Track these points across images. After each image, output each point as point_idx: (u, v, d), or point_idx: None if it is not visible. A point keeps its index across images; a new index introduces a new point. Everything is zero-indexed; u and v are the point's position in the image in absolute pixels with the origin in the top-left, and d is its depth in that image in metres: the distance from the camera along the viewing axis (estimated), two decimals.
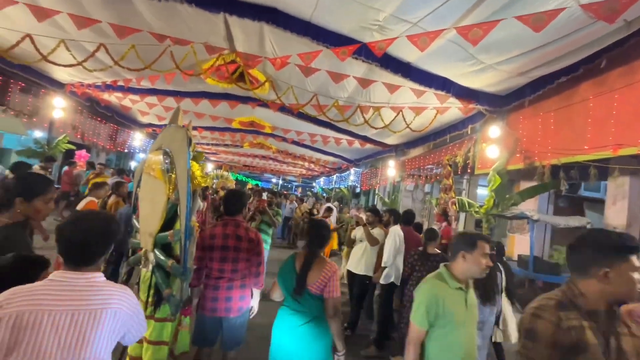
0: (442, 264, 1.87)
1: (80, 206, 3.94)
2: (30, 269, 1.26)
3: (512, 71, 3.88)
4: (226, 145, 15.55)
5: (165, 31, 4.23)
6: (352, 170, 15.16)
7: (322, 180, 25.19)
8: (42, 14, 3.97)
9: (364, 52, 3.95)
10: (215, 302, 2.37)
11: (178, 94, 7.60)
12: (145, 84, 6.97)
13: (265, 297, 2.51)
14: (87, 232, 1.18)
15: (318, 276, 1.97)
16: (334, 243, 8.62)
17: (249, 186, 18.75)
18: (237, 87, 6.88)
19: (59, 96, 8.17)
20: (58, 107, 8.21)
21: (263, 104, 7.81)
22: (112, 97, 8.81)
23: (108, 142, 11.83)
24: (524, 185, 5.38)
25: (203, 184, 2.52)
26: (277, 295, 2.15)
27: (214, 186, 9.88)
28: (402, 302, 3.67)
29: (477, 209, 5.10)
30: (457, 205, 5.24)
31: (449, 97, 4.76)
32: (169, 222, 2.32)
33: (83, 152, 9.31)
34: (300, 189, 33.99)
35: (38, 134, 8.99)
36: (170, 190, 2.26)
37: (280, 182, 34.47)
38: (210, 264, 2.41)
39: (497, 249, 3.35)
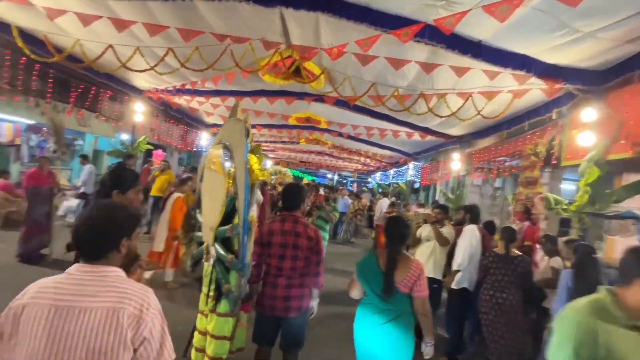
0: (603, 288, 1.28)
1: (169, 202, 4.30)
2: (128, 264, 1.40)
3: (619, 38, 3.18)
4: (283, 142, 15.98)
5: (225, 31, 4.36)
6: (411, 165, 14.44)
7: (378, 175, 24.59)
8: (121, 25, 4.36)
9: (428, 33, 3.59)
10: (273, 300, 2.30)
11: (238, 93, 7.93)
12: (209, 85, 7.38)
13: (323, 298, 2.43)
14: (93, 224, 1.10)
15: (405, 274, 1.95)
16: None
17: (305, 181, 19.09)
18: (294, 84, 6.96)
19: (139, 101, 9.11)
20: (139, 111, 9.16)
21: (319, 98, 7.77)
22: (182, 100, 9.56)
23: (180, 142, 12.96)
24: (629, 178, 4.46)
25: (261, 177, 2.49)
26: (357, 293, 2.13)
27: (272, 181, 10.18)
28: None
29: (565, 207, 4.38)
30: (547, 201, 4.55)
31: (529, 77, 4.13)
32: (228, 216, 2.34)
33: (159, 151, 10.29)
34: (355, 185, 33.70)
35: (124, 136, 10.18)
36: (230, 184, 2.27)
37: (336, 177, 34.56)
38: (269, 261, 2.35)
39: None
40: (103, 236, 1.09)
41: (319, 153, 19.03)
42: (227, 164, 2.30)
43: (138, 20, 4.36)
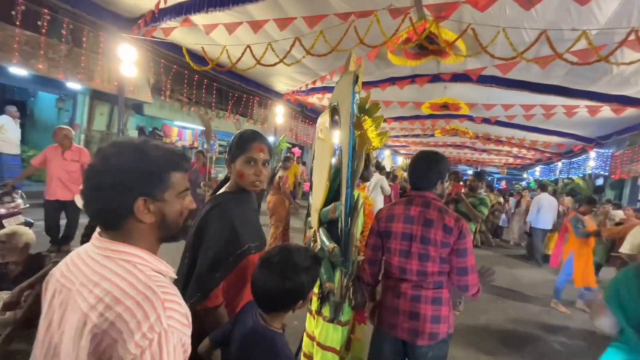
0: None
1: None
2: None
3: None
4: (416, 135, 14.86)
5: (349, 8, 4.07)
6: (592, 153, 10.85)
7: (537, 169, 19.95)
8: (256, 26, 4.68)
9: None
10: (394, 315, 1.63)
11: (365, 83, 7.62)
12: (336, 79, 7.35)
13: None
14: (100, 169, 0.72)
15: None
16: None
17: None
18: (426, 64, 6.11)
19: (280, 104, 10.09)
20: (279, 113, 10.17)
21: (457, 77, 6.62)
22: (315, 99, 10.02)
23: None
24: None
25: (376, 144, 1.98)
26: (606, 324, 1.26)
27: (403, 176, 9.51)
28: None
29: None
30: None
31: None
32: (335, 194, 1.95)
33: (296, 148, 11.17)
34: (504, 182, 28.52)
35: (270, 137, 11.59)
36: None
37: None
38: (389, 258, 1.69)
39: None
40: (103, 190, 0.71)
41: (458, 146, 16.82)
42: (335, 130, 1.92)
43: (270, 18, 4.56)
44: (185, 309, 0.72)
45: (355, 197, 1.78)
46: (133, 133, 7.59)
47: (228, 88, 8.55)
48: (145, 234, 0.76)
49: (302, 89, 9.22)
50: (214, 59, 5.42)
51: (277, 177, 5.07)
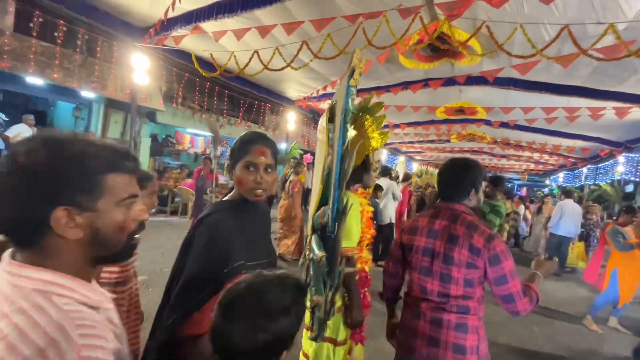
0: None
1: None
2: None
3: None
4: (431, 141, 14.52)
5: (357, 9, 3.96)
6: (621, 158, 10.25)
7: (560, 175, 19.12)
8: (264, 31, 4.64)
9: None
10: (413, 337, 1.46)
11: (377, 88, 7.47)
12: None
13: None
14: (6, 170, 0.57)
15: None
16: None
17: None
18: (440, 67, 5.92)
19: (291, 111, 10.05)
20: (291, 120, 10.14)
21: (472, 79, 6.39)
22: (326, 105, 9.94)
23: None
24: None
25: (375, 145, 1.83)
26: None
27: (417, 182, 9.23)
28: None
29: None
30: None
31: None
32: (325, 196, 1.82)
33: (308, 155, 11.08)
34: (525, 189, 27.51)
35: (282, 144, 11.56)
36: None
37: None
38: (410, 273, 1.58)
39: None
40: (9, 197, 0.56)
41: (475, 152, 16.34)
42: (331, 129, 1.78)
43: (278, 23, 4.51)
44: (119, 354, 0.55)
45: (345, 200, 1.62)
46: (146, 140, 7.70)
47: (239, 95, 8.59)
48: (70, 254, 0.59)
49: (314, 95, 9.16)
50: (222, 65, 5.41)
51: (287, 182, 5.04)
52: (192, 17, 5.19)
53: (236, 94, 8.46)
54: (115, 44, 5.79)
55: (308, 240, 1.95)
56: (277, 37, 4.77)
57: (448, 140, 13.79)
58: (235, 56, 5.13)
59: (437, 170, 10.92)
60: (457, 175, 1.54)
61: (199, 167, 5.41)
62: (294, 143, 10.33)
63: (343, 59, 5.76)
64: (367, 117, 1.81)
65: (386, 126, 10.22)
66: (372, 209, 2.07)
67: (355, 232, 1.84)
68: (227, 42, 5.17)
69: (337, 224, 1.47)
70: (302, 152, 11.21)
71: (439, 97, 7.79)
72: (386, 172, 5.07)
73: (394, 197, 4.83)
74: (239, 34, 4.85)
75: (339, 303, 1.72)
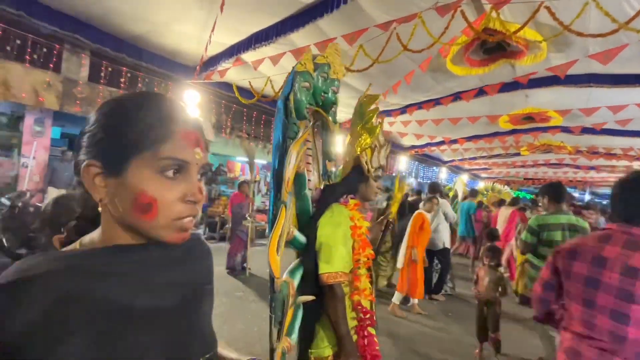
0: None
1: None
2: None
3: None
4: (497, 155, 13.07)
5: (389, 17, 3.68)
6: None
7: None
8: (299, 53, 4.60)
9: None
10: None
11: (425, 102, 6.94)
12: (393, 100, 6.85)
13: None
14: None
15: None
16: None
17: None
18: (496, 71, 5.25)
19: (338, 135, 9.90)
20: (338, 143, 9.97)
21: (540, 80, 5.53)
22: None
23: None
24: None
25: (366, 142, 1.49)
26: None
27: (483, 198, 8.18)
28: None
29: None
30: None
31: None
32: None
33: None
34: None
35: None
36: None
37: (587, 196, 24.79)
38: (567, 303, 1.37)
39: None
40: None
41: (554, 165, 14.25)
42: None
43: (311, 43, 4.44)
44: None
45: (279, 209, 1.33)
46: None
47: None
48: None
49: None
50: (259, 91, 5.52)
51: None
52: (234, 50, 5.45)
53: (271, 117, 8.63)
54: (170, 83, 6.33)
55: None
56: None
57: (518, 154, 12.25)
58: (271, 81, 5.18)
59: (505, 188, 9.60)
60: None
61: (235, 192, 5.42)
62: (340, 167, 10.11)
63: (385, 72, 5.48)
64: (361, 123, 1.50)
65: (400, 110, 9.45)
66: (367, 224, 1.66)
67: (339, 254, 1.47)
68: (265, 69, 5.28)
69: (271, 228, 1.22)
70: None
71: (500, 104, 6.94)
72: (435, 189, 4.45)
73: (446, 218, 4.17)
74: (275, 59, 4.90)
75: (327, 352, 1.32)
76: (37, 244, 3.40)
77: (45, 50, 4.96)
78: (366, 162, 1.62)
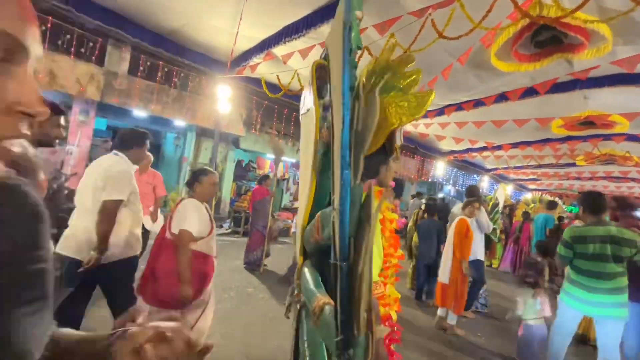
0: None
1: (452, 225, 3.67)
2: None
3: None
4: (548, 165, 11.86)
5: (422, 4, 3.37)
6: None
7: None
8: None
9: None
10: None
11: (466, 102, 6.42)
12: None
13: None
14: None
15: None
16: None
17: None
18: (550, 68, 4.67)
19: None
20: None
21: (603, 79, 4.85)
22: (409, 126, 9.12)
23: (414, 173, 12.60)
24: None
25: (409, 117, 1.15)
26: None
27: (530, 209, 7.40)
28: None
29: None
30: None
31: None
32: (327, 195, 1.19)
33: None
34: None
35: None
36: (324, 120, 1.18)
37: None
38: None
39: None
40: None
41: (616, 178, 12.68)
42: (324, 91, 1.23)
43: None
44: None
45: (365, 193, 0.94)
46: (231, 165, 8.29)
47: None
48: None
49: None
50: (286, 85, 5.43)
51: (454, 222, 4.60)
52: (265, 45, 5.41)
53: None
54: (203, 78, 6.47)
55: (297, 270, 1.35)
56: None
57: (573, 164, 11.02)
58: (298, 74, 5.05)
59: (559, 202, 8.30)
60: None
61: (257, 186, 5.34)
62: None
63: (414, 65, 5.11)
64: (390, 75, 1.17)
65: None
66: (396, 216, 1.38)
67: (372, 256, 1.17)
68: (294, 63, 5.18)
69: (353, 239, 0.81)
70: None
71: (553, 106, 6.22)
72: (472, 193, 3.98)
73: (480, 227, 3.71)
74: (305, 52, 4.77)
75: None
76: (65, 224, 3.52)
77: (90, 44, 5.27)
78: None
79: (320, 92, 1.34)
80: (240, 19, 4.18)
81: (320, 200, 1.27)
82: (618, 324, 2.42)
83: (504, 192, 6.88)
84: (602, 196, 2.63)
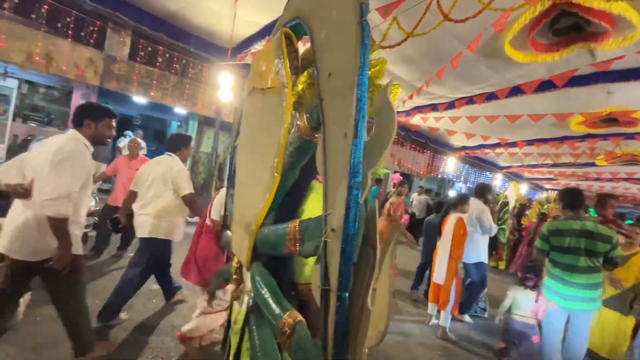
0: None
1: (449, 223, 3.44)
2: None
3: None
4: (566, 164, 11.34)
5: None
6: None
7: None
8: None
9: None
10: None
11: (477, 95, 6.08)
12: (436, 90, 6.11)
13: None
14: None
15: None
16: None
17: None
18: (570, 58, 4.31)
19: None
20: None
21: (630, 71, 4.47)
22: (418, 119, 8.79)
23: (423, 168, 12.25)
24: None
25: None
26: None
27: (544, 208, 7.02)
28: None
29: None
30: None
31: None
32: (295, 195, 1.07)
33: (397, 175, 10.01)
34: None
35: None
36: (298, 106, 1.00)
37: None
38: None
39: None
40: None
41: (639, 180, 12.02)
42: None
43: None
44: None
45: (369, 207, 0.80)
46: None
47: None
48: None
49: (401, 109, 8.24)
50: None
51: (388, 203, 4.58)
52: (267, 31, 5.21)
53: None
54: (205, 64, 6.31)
55: (234, 266, 1.19)
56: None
57: (592, 164, 10.49)
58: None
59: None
60: None
61: None
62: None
63: (429, 58, 4.82)
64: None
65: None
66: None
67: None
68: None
69: (354, 255, 0.74)
70: (389, 172, 10.23)
71: (572, 101, 5.83)
72: (482, 191, 3.62)
73: (482, 228, 3.43)
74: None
75: None
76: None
77: (90, 27, 5.17)
78: None
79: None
80: (236, 0, 3.98)
81: (277, 196, 1.10)
82: (589, 316, 2.54)
83: (517, 191, 6.53)
84: (580, 192, 2.76)
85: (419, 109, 7.77)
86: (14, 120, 6.14)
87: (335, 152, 0.78)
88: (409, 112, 8.18)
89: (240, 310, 1.14)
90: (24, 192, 1.72)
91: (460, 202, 3.41)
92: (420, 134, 10.60)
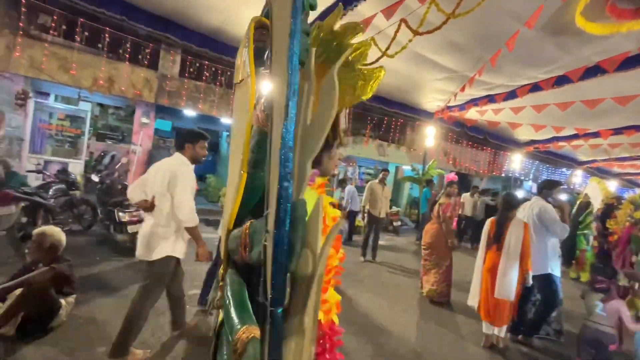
0: None
1: (513, 225, 3.04)
2: None
3: None
4: None
5: None
6: None
7: None
8: (365, 24, 3.97)
9: None
10: None
11: (543, 81, 5.27)
12: (491, 79, 5.45)
13: None
14: None
15: None
16: None
17: None
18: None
19: (430, 125, 8.70)
20: (430, 135, 8.76)
21: None
22: (474, 113, 8.00)
23: (483, 167, 11.16)
24: None
25: (360, 92, 0.96)
26: None
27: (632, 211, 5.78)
28: None
29: None
30: None
31: None
32: (256, 193, 1.00)
33: (452, 174, 9.23)
34: None
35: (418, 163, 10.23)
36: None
37: None
38: None
39: None
40: None
41: None
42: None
43: (377, 10, 3.78)
44: None
45: (305, 200, 0.73)
46: None
47: (364, 111, 8.17)
48: None
49: (455, 104, 7.58)
50: None
51: (437, 204, 4.33)
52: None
53: (360, 111, 8.07)
54: None
55: (220, 272, 1.09)
56: (378, 26, 3.99)
57: None
58: None
59: None
60: None
61: None
62: (431, 162, 8.85)
63: (472, 39, 4.31)
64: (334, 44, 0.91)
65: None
66: (338, 213, 1.13)
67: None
68: None
69: (289, 262, 0.65)
70: (443, 172, 9.47)
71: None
72: (550, 186, 2.98)
73: (545, 224, 2.81)
74: None
75: None
76: (112, 217, 3.75)
77: (145, 50, 5.66)
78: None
79: (258, 59, 1.04)
80: None
81: (251, 197, 0.99)
82: None
83: (602, 188, 5.45)
84: None
85: (473, 102, 7.07)
86: (89, 139, 6.99)
87: (276, 139, 0.65)
88: (462, 106, 7.50)
89: (218, 321, 1.05)
90: (149, 207, 2.12)
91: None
92: (478, 130, 9.68)
